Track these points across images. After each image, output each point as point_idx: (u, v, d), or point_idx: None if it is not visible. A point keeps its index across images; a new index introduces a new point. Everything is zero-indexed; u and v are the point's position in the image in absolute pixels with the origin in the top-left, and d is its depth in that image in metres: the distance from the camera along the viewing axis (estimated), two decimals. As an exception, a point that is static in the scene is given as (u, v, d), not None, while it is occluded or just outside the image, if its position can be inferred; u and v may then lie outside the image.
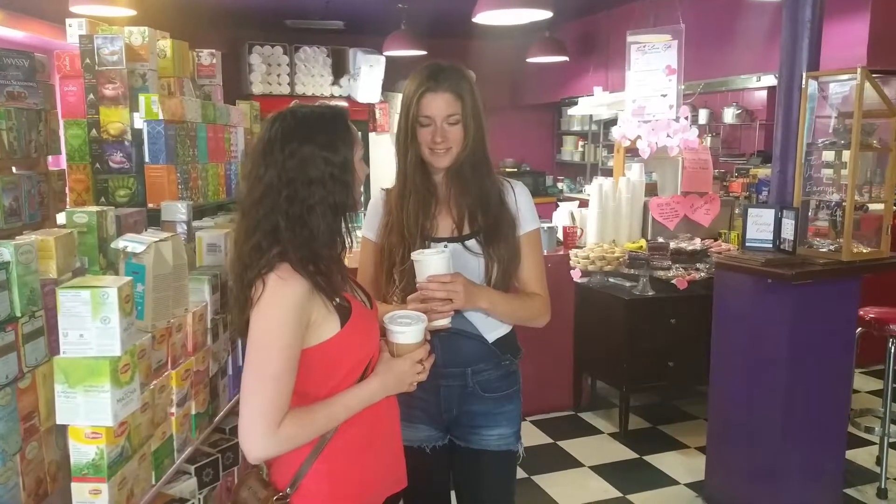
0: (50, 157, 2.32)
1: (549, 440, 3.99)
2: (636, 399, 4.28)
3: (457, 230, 1.74)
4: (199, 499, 1.70)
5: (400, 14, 5.68)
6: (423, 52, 5.93)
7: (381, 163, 6.84)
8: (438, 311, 1.59)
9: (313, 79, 6.26)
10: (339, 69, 6.51)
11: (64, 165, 2.39)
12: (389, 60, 6.35)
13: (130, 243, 1.45)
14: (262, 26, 6.04)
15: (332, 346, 1.39)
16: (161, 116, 2.32)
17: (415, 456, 1.79)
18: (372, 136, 6.72)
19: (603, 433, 4.09)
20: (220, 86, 3.00)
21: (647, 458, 3.77)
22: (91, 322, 1.23)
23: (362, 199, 1.57)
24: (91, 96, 2.34)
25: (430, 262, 1.58)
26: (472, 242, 1.73)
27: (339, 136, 1.40)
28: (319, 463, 1.41)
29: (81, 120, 2.35)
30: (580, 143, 8.06)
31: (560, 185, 8.10)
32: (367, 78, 6.25)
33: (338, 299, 1.40)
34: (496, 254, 1.74)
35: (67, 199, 2.38)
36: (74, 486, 1.26)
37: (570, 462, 3.73)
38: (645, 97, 4.25)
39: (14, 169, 2.15)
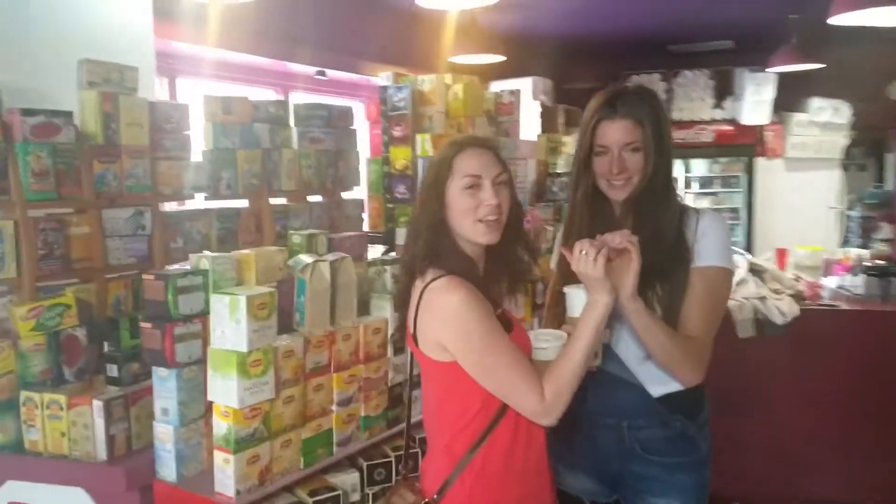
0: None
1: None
2: None
3: None
4: (369, 494, 1.89)
5: (791, 26, 5.05)
6: (820, 66, 5.14)
7: (772, 191, 6.12)
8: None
9: (692, 103, 5.98)
10: (724, 91, 6.06)
11: (364, 195, 2.90)
12: (785, 77, 5.67)
13: (298, 261, 1.74)
14: (643, 54, 6.01)
15: None
16: (431, 153, 2.63)
17: None
18: (761, 161, 6.03)
19: None
20: (517, 121, 3.19)
21: None
22: (228, 322, 1.53)
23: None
24: (385, 137, 2.78)
25: (576, 295, 1.50)
26: None
27: (442, 164, 1.49)
28: (465, 474, 1.47)
29: (378, 157, 2.81)
30: None
31: None
32: (752, 98, 5.69)
33: (499, 310, 1.50)
34: (654, 292, 1.56)
35: (366, 223, 2.88)
36: (215, 452, 1.57)
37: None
38: None
39: (320, 198, 2.72)
